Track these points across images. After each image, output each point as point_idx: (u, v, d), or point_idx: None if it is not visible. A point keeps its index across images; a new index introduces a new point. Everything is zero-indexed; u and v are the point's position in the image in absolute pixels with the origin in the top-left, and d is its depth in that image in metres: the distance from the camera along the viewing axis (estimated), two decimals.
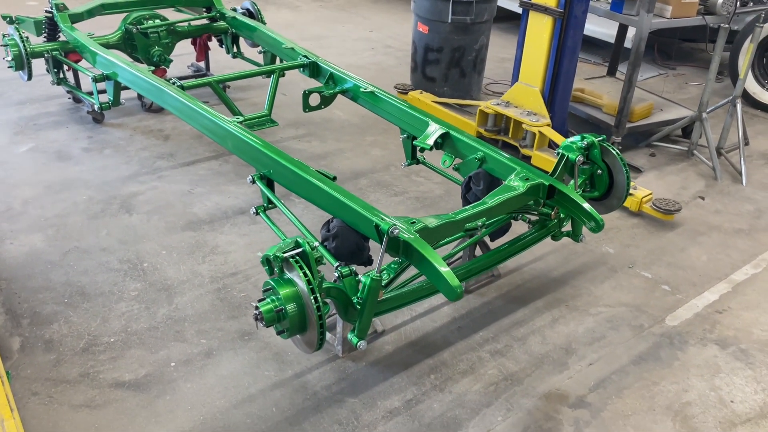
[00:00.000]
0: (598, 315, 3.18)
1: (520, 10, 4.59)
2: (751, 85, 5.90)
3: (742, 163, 4.66)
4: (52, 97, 5.22)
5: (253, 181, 3.08)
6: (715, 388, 2.77)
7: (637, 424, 2.58)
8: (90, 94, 4.52)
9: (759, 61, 5.88)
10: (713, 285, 3.45)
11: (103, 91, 4.38)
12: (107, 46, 4.62)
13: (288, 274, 2.26)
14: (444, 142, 3.27)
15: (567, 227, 3.13)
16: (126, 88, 4.20)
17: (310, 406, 2.59)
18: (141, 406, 2.55)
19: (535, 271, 3.49)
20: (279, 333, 2.29)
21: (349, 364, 2.80)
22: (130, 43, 4.89)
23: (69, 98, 5.15)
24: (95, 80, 4.19)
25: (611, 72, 5.77)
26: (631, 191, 3.45)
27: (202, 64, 5.65)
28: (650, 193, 4.06)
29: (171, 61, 5.04)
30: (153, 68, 4.41)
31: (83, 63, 4.66)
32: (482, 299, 3.25)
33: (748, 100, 5.88)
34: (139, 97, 5.17)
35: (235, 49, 5.40)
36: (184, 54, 5.73)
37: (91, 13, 4.82)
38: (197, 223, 3.75)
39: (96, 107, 4.37)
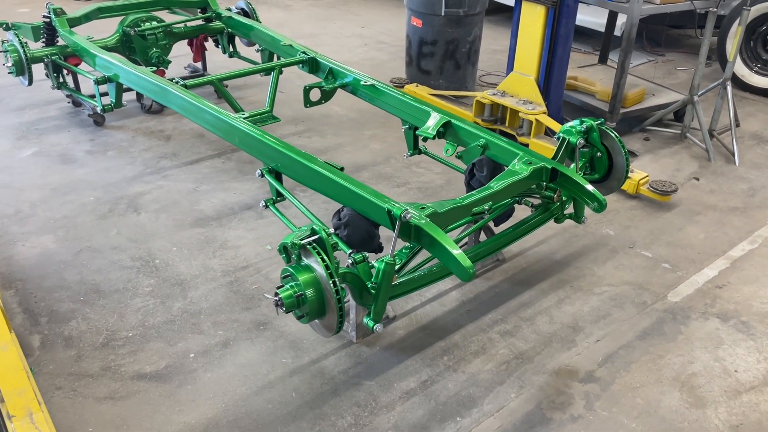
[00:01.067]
0: (603, 294, 3.27)
1: (510, 2, 4.67)
2: (740, 68, 6.01)
3: (734, 144, 4.76)
4: (51, 102, 5.26)
5: (262, 175, 3.14)
6: (719, 359, 2.86)
7: (646, 395, 2.67)
8: (92, 96, 4.56)
9: (746, 44, 5.99)
10: (712, 261, 3.55)
11: (105, 94, 4.42)
12: (106, 49, 4.66)
13: (305, 261, 2.33)
14: (446, 131, 3.34)
15: (569, 210, 3.22)
16: (128, 89, 4.25)
17: (328, 390, 2.66)
18: (164, 396, 2.61)
19: (538, 254, 3.58)
20: (299, 318, 2.36)
21: (363, 349, 2.87)
22: (128, 45, 4.94)
23: (69, 102, 5.18)
24: (97, 83, 4.24)
25: (602, 60, 5.86)
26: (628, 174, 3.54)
27: (199, 64, 5.70)
28: (647, 176, 4.16)
29: (169, 62, 5.08)
30: (154, 69, 4.44)
31: (83, 66, 4.70)
32: (489, 283, 3.33)
33: (737, 82, 5.98)
34: (139, 98, 5.22)
35: (231, 49, 5.46)
36: (180, 55, 5.78)
37: (88, 17, 4.86)
38: (205, 220, 3.81)
39: (98, 109, 4.41)
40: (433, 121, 3.35)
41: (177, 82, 3.69)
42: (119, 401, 2.58)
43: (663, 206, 4.09)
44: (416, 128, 3.48)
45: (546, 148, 4.34)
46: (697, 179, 4.44)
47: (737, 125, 5.15)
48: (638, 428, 2.51)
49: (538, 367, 2.80)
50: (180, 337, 2.92)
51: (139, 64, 4.95)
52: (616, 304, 3.20)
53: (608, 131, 3.14)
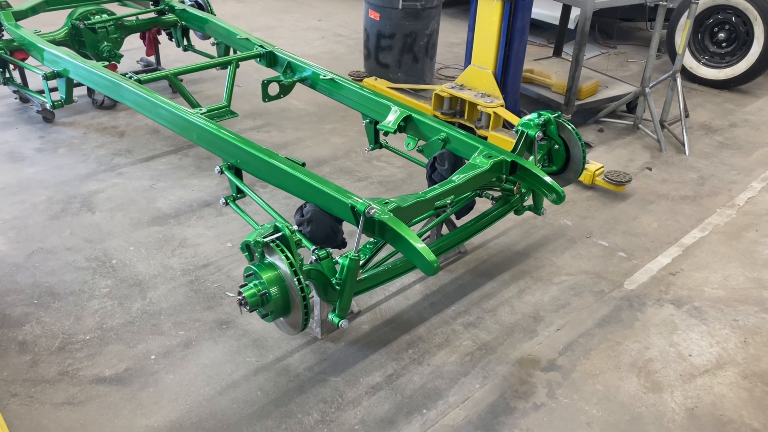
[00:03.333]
0: (562, 283, 3.34)
1: None
2: (688, 61, 6.19)
3: (684, 134, 4.91)
4: None
5: (221, 172, 3.09)
6: (673, 344, 2.96)
7: (605, 381, 2.74)
8: (40, 92, 4.41)
9: (694, 36, 6.18)
10: (665, 249, 3.66)
11: (54, 90, 4.28)
12: (54, 43, 4.50)
13: (269, 259, 2.31)
14: (407, 125, 3.35)
15: (528, 201, 3.27)
16: (78, 84, 4.12)
17: (294, 387, 2.65)
18: (125, 399, 2.56)
19: (499, 246, 3.62)
20: (263, 317, 2.34)
21: (328, 345, 2.87)
22: (77, 39, 4.79)
23: (16, 98, 5.00)
24: (46, 78, 4.09)
25: (557, 53, 5.96)
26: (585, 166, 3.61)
27: (152, 58, 5.57)
28: (602, 167, 4.25)
29: (121, 56, 4.95)
30: (105, 63, 4.32)
31: (30, 61, 4.54)
32: (452, 275, 3.36)
33: (686, 74, 6.17)
34: (90, 94, 5.08)
35: (185, 42, 5.34)
36: (132, 49, 5.64)
37: (35, 10, 4.70)
38: (163, 218, 3.73)
39: (48, 106, 4.27)
40: (393, 116, 3.35)
41: (130, 77, 3.60)
42: (78, 406, 2.52)
43: (618, 196, 4.19)
44: (377, 122, 3.48)
45: (504, 140, 4.40)
46: (650, 169, 4.57)
47: (687, 116, 5.30)
48: (598, 414, 2.57)
49: (501, 357, 2.85)
50: (140, 339, 2.86)
51: (90, 59, 4.80)
52: (575, 293, 3.27)
53: (565, 124, 3.20)
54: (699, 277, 3.43)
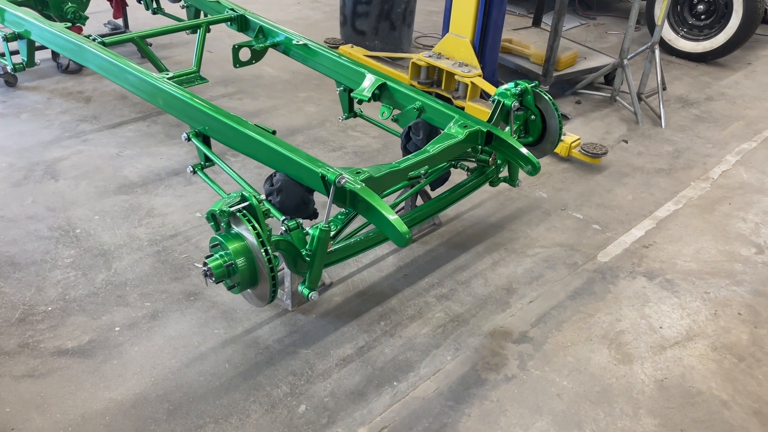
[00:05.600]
0: (536, 256, 3.32)
1: None
2: (667, 33, 6.16)
3: (661, 107, 4.89)
4: None
5: (188, 139, 2.99)
6: (645, 317, 2.96)
7: (576, 353, 2.73)
8: (1, 55, 4.22)
9: (673, 9, 6.13)
10: (639, 222, 3.65)
11: (15, 52, 4.10)
12: (15, 3, 4.30)
13: (236, 229, 2.24)
14: (381, 93, 3.27)
15: (504, 173, 3.22)
16: (41, 47, 3.95)
17: (263, 359, 2.60)
18: (87, 372, 2.49)
19: (474, 217, 3.59)
20: (230, 288, 2.27)
21: (299, 317, 2.82)
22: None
23: None
24: (6, 39, 3.91)
25: (536, 23, 5.88)
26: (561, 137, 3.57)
27: (120, 21, 5.38)
28: (578, 139, 4.22)
29: (87, 18, 4.75)
30: (69, 25, 4.14)
31: None
32: (426, 247, 3.32)
33: (664, 47, 6.14)
34: (54, 57, 4.89)
35: (154, 5, 5.14)
36: (99, 11, 5.43)
37: None
38: (129, 187, 3.62)
39: (9, 69, 4.08)
40: (368, 83, 3.26)
41: (95, 40, 3.45)
42: (39, 379, 2.44)
43: (594, 168, 4.17)
44: (351, 90, 3.39)
45: (481, 111, 4.33)
46: (626, 142, 4.55)
47: (664, 89, 5.29)
48: (569, 386, 2.57)
49: (473, 329, 2.83)
50: (104, 310, 2.78)
51: (54, 20, 4.61)
52: (548, 265, 3.26)
53: (542, 94, 3.15)
54: (672, 249, 3.43)
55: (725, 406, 2.52)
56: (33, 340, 2.61)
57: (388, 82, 3.23)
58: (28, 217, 3.31)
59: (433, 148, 2.77)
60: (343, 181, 2.35)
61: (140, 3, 5.23)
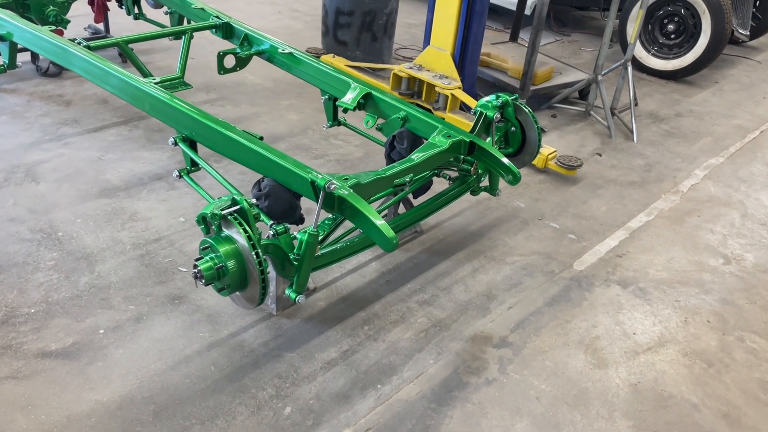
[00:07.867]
0: (514, 263, 3.41)
1: None
2: (639, 51, 6.36)
3: (633, 122, 5.05)
4: None
5: (176, 143, 3.02)
6: (619, 323, 3.06)
7: (554, 358, 2.82)
8: None
9: (645, 28, 6.34)
10: (613, 232, 3.77)
11: None
12: None
13: (226, 232, 2.28)
14: (366, 102, 3.33)
15: (485, 182, 3.31)
16: (23, 49, 3.93)
17: (248, 362, 2.63)
18: (72, 374, 2.49)
19: (454, 226, 3.67)
20: (219, 290, 2.30)
21: (284, 321, 2.85)
22: (21, 2, 4.56)
23: None
24: None
25: (513, 38, 6.02)
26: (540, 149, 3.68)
27: (101, 26, 5.36)
28: (554, 151, 4.34)
29: (68, 21, 4.74)
30: (53, 28, 4.13)
31: None
32: (408, 254, 3.38)
33: (636, 64, 6.33)
34: (34, 60, 4.86)
35: (136, 10, 5.15)
36: (79, 15, 5.41)
37: None
38: (112, 191, 3.62)
39: None
40: (353, 93, 3.32)
41: (79, 43, 3.46)
42: (23, 380, 2.44)
43: (569, 180, 4.29)
44: (336, 99, 3.45)
45: (461, 122, 4.43)
46: (600, 155, 4.69)
47: (636, 104, 5.46)
48: (547, 389, 2.65)
49: (454, 334, 2.89)
50: (88, 313, 2.78)
51: (34, 23, 4.59)
52: (526, 272, 3.35)
53: (522, 106, 3.25)
54: (644, 259, 3.55)
55: (696, 409, 2.63)
56: (16, 341, 2.60)
57: (374, 92, 3.30)
58: (9, 219, 3.29)
59: (417, 156, 2.85)
60: (333, 186, 2.40)
61: (122, 8, 5.24)
